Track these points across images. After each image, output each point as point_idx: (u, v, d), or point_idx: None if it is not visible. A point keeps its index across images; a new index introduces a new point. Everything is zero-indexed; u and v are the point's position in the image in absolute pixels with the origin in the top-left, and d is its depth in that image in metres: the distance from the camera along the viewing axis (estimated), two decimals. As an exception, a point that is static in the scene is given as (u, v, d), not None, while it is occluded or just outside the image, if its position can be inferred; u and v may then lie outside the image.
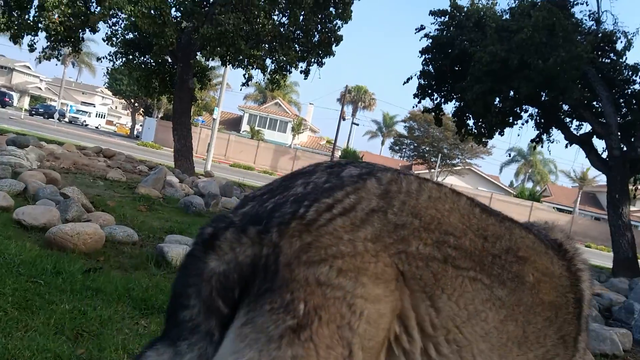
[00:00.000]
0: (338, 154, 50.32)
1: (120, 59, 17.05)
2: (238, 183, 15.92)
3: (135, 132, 54.94)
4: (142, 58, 17.25)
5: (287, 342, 1.07)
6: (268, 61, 16.42)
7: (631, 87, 15.42)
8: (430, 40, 16.71)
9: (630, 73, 15.30)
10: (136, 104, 52.93)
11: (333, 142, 48.26)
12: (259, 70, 16.62)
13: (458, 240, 1.29)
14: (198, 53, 16.01)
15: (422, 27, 17.06)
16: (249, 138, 52.34)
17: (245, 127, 57.17)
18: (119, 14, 14.79)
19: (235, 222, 1.18)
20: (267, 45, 16.01)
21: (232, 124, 59.87)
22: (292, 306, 1.08)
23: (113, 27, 16.15)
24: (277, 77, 16.95)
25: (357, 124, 61.49)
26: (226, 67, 19.70)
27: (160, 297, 3.74)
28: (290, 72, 17.00)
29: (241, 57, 15.75)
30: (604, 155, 15.08)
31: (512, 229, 1.46)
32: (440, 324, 1.24)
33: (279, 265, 1.10)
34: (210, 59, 16.42)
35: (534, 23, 13.52)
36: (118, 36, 16.12)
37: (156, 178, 9.98)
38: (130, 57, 17.01)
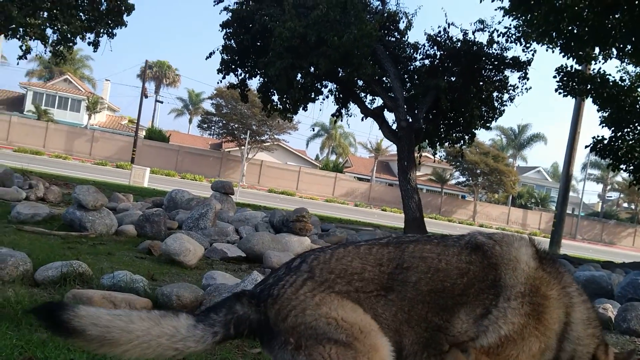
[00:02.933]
0: (142, 134, 47.63)
1: None
2: (22, 170, 14.01)
3: None
4: None
5: (295, 355, 1.94)
6: (49, 31, 14.58)
7: (413, 64, 17.02)
8: (230, 14, 16.41)
9: (411, 51, 16.87)
10: None
11: (136, 121, 45.49)
12: (39, 42, 14.71)
13: (360, 276, 2.11)
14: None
15: (220, 0, 16.70)
16: (35, 119, 46.65)
17: (29, 106, 50.72)
18: None
19: (252, 292, 2.14)
20: (46, 13, 14.16)
21: (13, 103, 52.87)
22: (288, 341, 1.95)
23: None
24: (61, 49, 15.17)
25: (162, 102, 59.08)
26: (-2, 37, 17.06)
27: None
28: (75, 44, 15.34)
29: (14, 26, 13.73)
30: (394, 126, 16.49)
31: (406, 248, 2.22)
32: (373, 316, 2.06)
33: (270, 324, 1.99)
34: (-25, 27, 14.02)
35: (328, 0, 14.04)
36: None
37: None
38: None
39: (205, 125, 48.28)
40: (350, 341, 1.94)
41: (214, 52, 17.13)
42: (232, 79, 18.07)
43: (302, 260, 2.16)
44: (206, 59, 17.30)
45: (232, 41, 16.80)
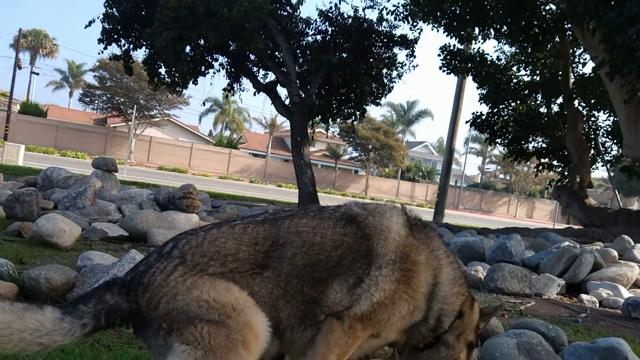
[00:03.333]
0: (16, 108, 43.66)
1: None
2: None
3: None
4: None
5: (167, 338, 1.92)
6: None
7: (305, 39, 17.01)
8: (111, -21, 15.35)
9: (303, 26, 16.83)
10: None
11: (9, 95, 41.53)
12: None
13: (235, 256, 2.11)
14: None
15: (99, -36, 15.55)
16: None
17: None
18: None
19: (123, 280, 2.07)
20: None
21: None
22: (161, 327, 1.93)
23: None
24: None
25: (37, 74, 54.18)
26: None
27: None
28: None
29: None
30: (287, 102, 16.44)
31: (282, 224, 2.24)
32: (248, 294, 2.06)
33: (142, 313, 1.95)
34: None
35: (215, -30, 13.55)
36: None
37: None
38: None
39: (88, 99, 45.16)
40: (222, 319, 1.93)
41: (93, 21, 15.98)
42: (115, 49, 17.02)
43: (174, 245, 2.13)
44: (85, 27, 16.10)
45: (114, 9, 15.74)
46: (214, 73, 17.52)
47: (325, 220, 2.30)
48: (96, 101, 44.63)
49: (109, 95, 42.66)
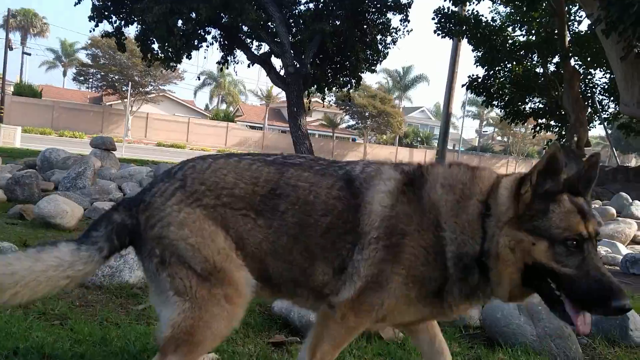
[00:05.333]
0: (10, 89, 43.30)
1: None
2: None
3: None
4: None
5: (161, 270, 1.96)
6: None
7: (297, 8, 16.80)
8: (99, -46, 15.09)
9: (295, -6, 16.60)
10: None
11: (1, 76, 41.15)
12: None
13: (230, 191, 2.04)
14: None
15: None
16: None
17: None
18: None
19: (129, 199, 2.15)
20: None
21: None
22: (154, 251, 1.97)
23: None
24: None
25: (29, 54, 53.91)
26: None
27: None
28: None
29: None
30: (282, 72, 16.34)
31: (285, 172, 2.10)
32: (236, 239, 2.01)
33: (140, 230, 2.00)
34: None
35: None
36: None
37: None
38: None
39: (82, 78, 44.93)
40: (205, 274, 1.94)
41: (83, -3, 15.77)
42: (106, 27, 16.84)
43: (180, 167, 2.13)
44: (75, 5, 15.90)
45: (103, -15, 15.55)
46: (208, 46, 17.43)
47: (326, 178, 2.09)
48: (90, 80, 44.38)
49: (103, 73, 42.33)
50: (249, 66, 17.36)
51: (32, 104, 41.70)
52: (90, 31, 20.00)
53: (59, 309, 3.08)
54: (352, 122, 56.38)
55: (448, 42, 18.44)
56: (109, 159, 9.75)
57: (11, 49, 41.42)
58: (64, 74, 64.48)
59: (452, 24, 16.52)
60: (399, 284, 1.96)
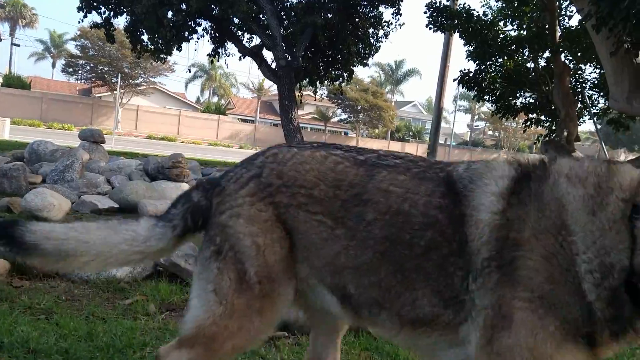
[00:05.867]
0: (-2, 80, 42.87)
1: None
2: None
3: None
4: None
5: (213, 259, 1.83)
6: None
7: (289, 1, 16.71)
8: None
9: (287, -14, 16.51)
10: None
11: (-11, 67, 40.66)
12: None
13: (309, 192, 1.81)
14: None
15: None
16: None
17: None
18: None
19: (211, 179, 2.04)
20: None
21: None
22: (215, 238, 1.84)
23: None
24: None
25: (19, 45, 53.23)
26: None
27: None
28: None
29: None
30: (273, 65, 16.25)
31: (377, 174, 1.78)
32: (302, 247, 1.80)
33: (209, 213, 1.88)
34: None
35: None
36: None
37: None
38: None
39: (71, 70, 44.43)
40: (253, 282, 1.78)
41: (71, -13, 15.58)
42: (95, 17, 16.64)
43: (262, 153, 1.99)
44: (63, -5, 15.70)
45: (92, -25, 15.36)
46: (198, 38, 17.29)
47: (425, 182, 1.73)
48: (80, 71, 43.92)
49: (92, 65, 41.93)
50: (240, 59, 17.26)
51: (21, 95, 41.27)
52: (79, 22, 19.84)
53: (45, 304, 3.06)
54: (344, 116, 56.32)
55: (440, 37, 18.42)
56: (97, 151, 9.67)
57: (0, 40, 40.93)
58: (53, 65, 63.82)
59: (444, 18, 16.48)
60: (527, 313, 1.48)
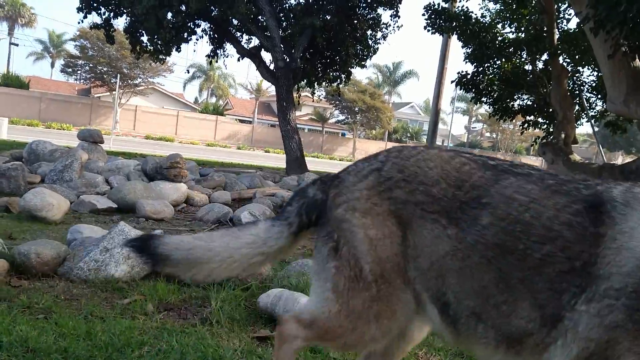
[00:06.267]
0: (-4, 80, 42.77)
1: None
2: None
3: None
4: None
5: (331, 257, 1.79)
6: None
7: (288, 2, 16.74)
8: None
9: (286, -12, 16.53)
10: None
11: (-13, 66, 40.62)
12: None
13: (428, 189, 1.76)
14: None
15: None
16: None
17: None
18: None
19: (326, 176, 1.99)
20: None
21: None
22: (332, 235, 1.80)
23: None
24: None
25: (17, 45, 53.16)
26: None
27: None
28: None
29: None
30: (272, 66, 16.28)
31: (504, 180, 1.71)
32: (413, 245, 1.74)
33: (326, 207, 1.85)
34: None
35: None
36: None
37: None
38: None
39: (70, 70, 44.40)
40: (368, 280, 1.74)
41: (71, -12, 15.61)
42: (95, 18, 16.66)
43: (387, 150, 1.97)
44: (63, -5, 15.73)
45: (92, -25, 15.39)
46: (197, 39, 17.30)
47: (556, 196, 1.63)
48: (79, 71, 43.91)
49: (91, 65, 41.91)
50: (238, 60, 17.28)
51: (20, 95, 41.21)
52: (79, 22, 19.83)
53: (44, 303, 3.07)
54: (341, 117, 56.34)
55: (438, 38, 18.45)
56: (96, 151, 9.67)
57: (-2, 39, 40.86)
58: (52, 65, 63.66)
59: (442, 20, 16.52)
60: None
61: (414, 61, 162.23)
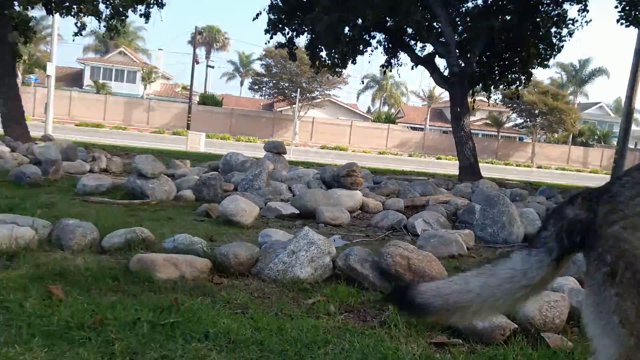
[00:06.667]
0: (196, 99, 48.49)
1: None
2: (85, 144, 14.66)
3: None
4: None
5: (608, 284, 1.54)
6: (102, 6, 14.90)
7: (464, 5, 16.34)
8: (274, -28, 16.25)
9: (462, -9, 16.17)
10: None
11: (189, 88, 46.26)
12: (93, 17, 15.08)
13: None
14: (15, 2, 14.03)
15: (263, -41, 16.53)
16: (94, 93, 48.36)
17: (88, 81, 52.71)
18: None
19: (593, 188, 1.75)
20: (97, -10, 14.50)
21: (73, 79, 54.85)
22: (604, 257, 1.56)
23: None
24: (114, 23, 15.47)
25: (213, 67, 59.51)
26: (53, 15, 17.47)
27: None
28: (127, 17, 15.57)
29: (68, 4, 14.14)
30: (446, 72, 16.02)
31: None
32: None
33: (591, 227, 1.62)
34: (30, 7, 14.49)
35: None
36: None
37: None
38: None
39: (257, 87, 48.63)
40: None
41: (260, 13, 17.09)
42: (280, 38, 18.03)
43: None
44: (253, 20, 17.28)
45: (279, 0, 16.69)
46: (372, 51, 17.73)
47: None
48: (264, 88, 47.83)
49: (274, 81, 45.44)
50: (412, 68, 17.32)
51: (214, 112, 46.28)
52: (266, 43, 21.59)
53: (241, 299, 3.38)
54: (519, 121, 53.20)
55: (632, 31, 16.44)
56: (279, 161, 10.42)
57: (197, 63, 46.26)
58: (241, 83, 70.26)
59: (638, 12, 14.77)
60: None
61: (603, 57, 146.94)
